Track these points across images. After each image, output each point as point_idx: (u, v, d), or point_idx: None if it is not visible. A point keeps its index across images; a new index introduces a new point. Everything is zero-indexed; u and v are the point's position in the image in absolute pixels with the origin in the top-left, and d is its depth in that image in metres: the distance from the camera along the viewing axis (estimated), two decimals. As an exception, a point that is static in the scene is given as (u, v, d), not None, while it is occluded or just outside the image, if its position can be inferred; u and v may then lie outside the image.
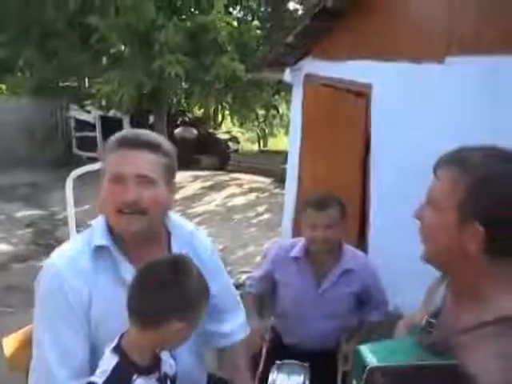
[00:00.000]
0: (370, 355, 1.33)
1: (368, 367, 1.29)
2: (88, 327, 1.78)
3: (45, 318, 1.78)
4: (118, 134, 1.84)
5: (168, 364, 1.75)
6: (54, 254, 1.87)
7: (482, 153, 1.34)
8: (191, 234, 2.06)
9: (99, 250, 1.81)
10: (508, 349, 1.21)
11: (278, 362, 2.90)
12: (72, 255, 1.82)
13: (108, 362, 1.60)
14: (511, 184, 1.28)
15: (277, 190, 12.88)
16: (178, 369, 1.84)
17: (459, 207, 1.33)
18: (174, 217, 2.04)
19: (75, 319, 1.76)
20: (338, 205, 2.95)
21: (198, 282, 1.61)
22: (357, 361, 1.36)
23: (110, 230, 1.85)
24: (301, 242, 3.13)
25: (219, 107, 19.76)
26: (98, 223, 1.89)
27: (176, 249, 1.94)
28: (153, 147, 1.80)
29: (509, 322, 1.24)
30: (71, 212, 3.51)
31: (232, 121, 22.08)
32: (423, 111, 5.05)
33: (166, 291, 1.56)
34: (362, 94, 5.86)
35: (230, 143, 18.77)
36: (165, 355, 1.74)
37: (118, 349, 1.62)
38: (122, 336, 1.64)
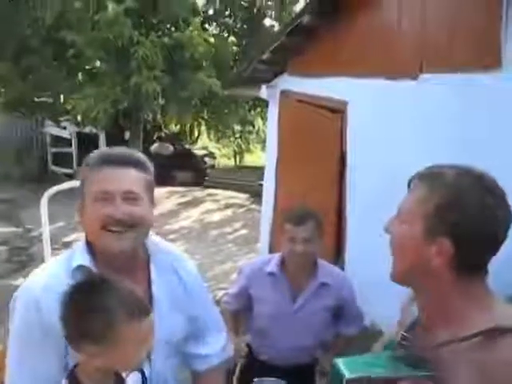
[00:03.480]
0: (347, 368, 1.34)
1: (345, 379, 1.30)
2: (65, 353, 1.71)
3: (20, 345, 1.73)
4: (97, 153, 1.82)
5: None
6: (31, 277, 1.80)
7: (455, 171, 1.37)
8: (173, 257, 2.01)
9: (80, 270, 1.75)
10: (485, 362, 1.23)
11: (255, 379, 2.88)
12: (50, 277, 1.75)
13: None
14: (480, 203, 1.31)
15: (253, 206, 12.88)
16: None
17: (426, 221, 1.35)
18: (156, 239, 2.00)
19: (52, 345, 1.69)
20: (315, 219, 2.97)
21: (111, 304, 1.50)
22: (333, 373, 1.36)
23: (92, 251, 1.80)
24: (276, 257, 3.14)
25: (195, 123, 19.77)
26: (79, 244, 1.84)
27: (155, 273, 1.89)
28: (136, 164, 1.79)
29: (483, 336, 1.25)
30: (46, 230, 3.48)
31: (208, 136, 22.11)
32: (398, 127, 5.11)
33: (70, 317, 1.52)
34: (337, 110, 5.91)
35: (207, 159, 18.79)
36: (132, 379, 1.67)
37: (70, 376, 1.57)
38: (76, 364, 1.59)
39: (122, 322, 1.49)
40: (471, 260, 1.34)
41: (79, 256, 1.79)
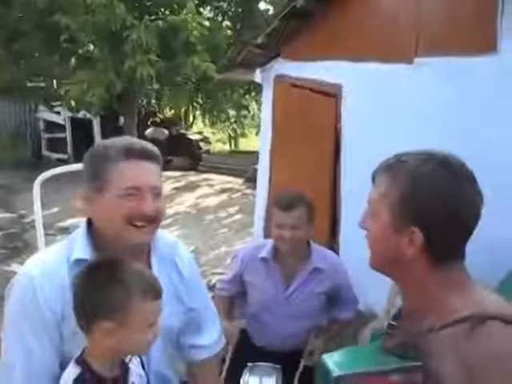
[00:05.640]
0: (335, 364, 1.32)
1: (333, 376, 1.29)
2: (60, 341, 1.71)
3: (16, 331, 1.71)
4: (118, 144, 1.76)
5: (137, 374, 1.71)
6: (29, 264, 1.78)
7: (414, 158, 1.36)
8: (173, 248, 2.02)
9: (79, 263, 1.72)
10: (470, 350, 1.22)
11: (249, 364, 2.89)
12: (48, 266, 1.73)
13: (69, 374, 1.57)
14: (443, 188, 1.30)
15: (248, 191, 12.87)
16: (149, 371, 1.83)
17: (393, 212, 1.34)
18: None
19: (48, 332, 1.69)
20: (305, 205, 2.94)
21: (130, 279, 1.57)
22: (322, 371, 1.35)
23: (92, 242, 1.78)
24: (269, 242, 3.12)
25: (190, 108, 19.71)
26: (79, 234, 1.81)
27: (155, 261, 1.90)
28: (156, 158, 1.78)
29: (465, 322, 1.24)
30: (39, 216, 3.45)
31: (203, 121, 22.07)
32: (392, 111, 5.10)
33: (88, 291, 1.56)
34: (331, 94, 5.88)
35: (202, 144, 18.74)
36: (134, 365, 1.71)
37: (80, 359, 1.59)
38: (84, 348, 1.62)
39: (137, 297, 1.55)
40: (444, 246, 1.32)
41: (79, 248, 1.77)
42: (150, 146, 1.81)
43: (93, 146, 1.85)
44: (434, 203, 1.29)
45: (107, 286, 1.55)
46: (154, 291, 1.60)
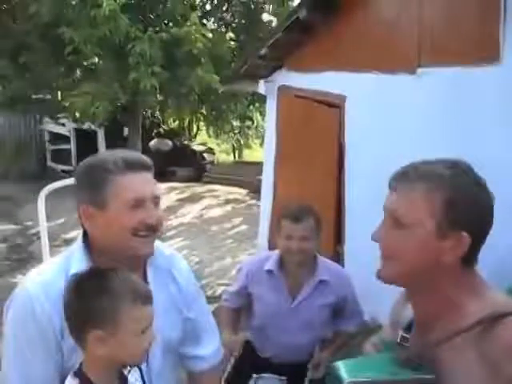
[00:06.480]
0: (346, 370, 1.33)
1: (345, 382, 1.29)
2: (60, 356, 1.71)
3: (14, 347, 1.72)
4: (114, 157, 1.77)
5: None
6: (27, 278, 1.80)
7: (444, 166, 1.37)
8: (169, 259, 2.02)
9: None
10: (490, 347, 1.23)
11: (254, 375, 2.88)
12: (46, 280, 1.74)
13: None
14: (477, 195, 1.34)
15: (253, 201, 12.86)
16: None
17: (437, 218, 1.32)
18: None
19: (47, 347, 1.70)
20: (313, 216, 2.94)
21: (118, 287, 1.57)
22: (333, 376, 1.35)
23: (90, 255, 1.79)
24: (275, 254, 3.12)
25: (194, 119, 19.74)
26: (76, 247, 1.83)
27: (151, 272, 1.91)
28: (151, 168, 1.81)
29: (484, 323, 1.25)
30: (43, 228, 3.46)
31: (207, 132, 22.09)
32: (396, 121, 5.10)
33: (78, 301, 1.56)
34: (335, 105, 5.89)
35: (206, 155, 18.76)
36: (134, 377, 1.70)
37: (78, 372, 1.59)
38: (81, 362, 1.62)
39: (126, 304, 1.55)
40: (477, 250, 1.35)
41: (77, 262, 1.77)
42: (143, 156, 1.83)
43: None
44: (474, 208, 1.33)
45: (96, 295, 1.55)
46: (143, 297, 1.60)
